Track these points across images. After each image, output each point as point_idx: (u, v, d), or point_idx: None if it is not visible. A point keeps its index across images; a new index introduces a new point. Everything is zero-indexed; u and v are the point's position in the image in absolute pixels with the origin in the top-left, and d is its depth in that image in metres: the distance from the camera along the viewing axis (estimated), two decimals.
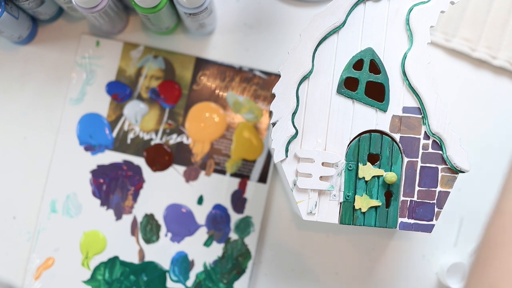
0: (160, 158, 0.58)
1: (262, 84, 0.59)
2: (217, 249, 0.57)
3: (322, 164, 0.44)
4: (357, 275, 0.58)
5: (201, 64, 0.59)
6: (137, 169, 0.58)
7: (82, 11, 0.51)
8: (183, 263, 0.57)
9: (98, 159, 0.58)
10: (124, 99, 0.59)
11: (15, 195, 0.58)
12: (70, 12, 0.58)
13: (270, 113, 0.47)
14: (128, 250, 0.57)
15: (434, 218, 0.45)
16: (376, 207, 0.45)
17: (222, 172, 0.58)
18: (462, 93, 0.60)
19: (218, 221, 0.58)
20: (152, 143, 0.58)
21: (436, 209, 0.45)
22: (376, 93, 0.46)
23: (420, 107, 0.45)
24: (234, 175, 0.58)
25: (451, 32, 0.59)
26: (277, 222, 0.58)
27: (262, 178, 0.58)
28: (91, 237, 0.57)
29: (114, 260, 0.57)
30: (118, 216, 0.58)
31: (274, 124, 0.45)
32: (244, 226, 0.57)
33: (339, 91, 0.45)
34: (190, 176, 0.58)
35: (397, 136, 0.45)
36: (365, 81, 0.45)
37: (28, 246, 0.57)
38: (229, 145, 0.58)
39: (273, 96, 0.45)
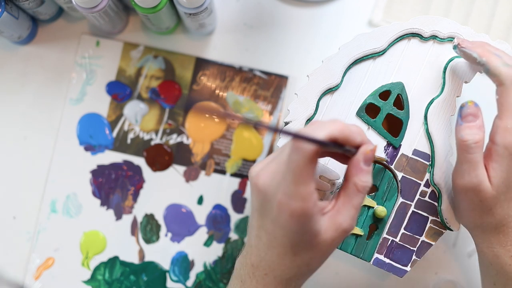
0: (160, 158, 0.58)
1: (262, 84, 0.59)
2: (217, 249, 0.57)
3: (320, 177, 0.44)
4: (357, 275, 0.58)
5: (201, 64, 0.59)
6: (137, 169, 0.58)
7: (82, 11, 0.51)
8: (183, 263, 0.57)
9: (98, 159, 0.58)
10: (124, 99, 0.59)
11: (15, 195, 0.58)
12: (70, 12, 0.58)
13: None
14: (128, 250, 0.57)
15: (410, 265, 0.45)
16: (357, 236, 0.45)
17: (222, 172, 0.58)
18: (464, 95, 0.60)
19: (218, 221, 0.58)
20: (152, 143, 0.58)
21: (414, 257, 0.45)
22: (393, 127, 0.46)
23: (430, 154, 0.45)
24: (234, 175, 0.58)
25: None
26: None
27: None
28: (91, 237, 0.57)
29: (114, 260, 0.57)
30: (118, 216, 0.58)
31: (287, 123, 0.45)
32: (244, 226, 0.57)
33: (358, 114, 0.45)
34: (190, 176, 0.58)
35: (399, 175, 0.45)
36: (386, 112, 0.45)
37: (28, 246, 0.57)
38: (229, 145, 0.58)
39: (295, 96, 0.45)
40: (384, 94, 0.45)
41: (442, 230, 0.45)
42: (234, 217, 0.58)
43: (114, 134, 0.58)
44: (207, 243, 0.57)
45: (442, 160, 0.45)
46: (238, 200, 0.58)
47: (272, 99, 0.59)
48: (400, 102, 0.46)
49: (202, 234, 0.58)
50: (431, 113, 0.45)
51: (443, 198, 0.44)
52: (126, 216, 0.58)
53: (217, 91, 0.59)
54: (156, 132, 0.58)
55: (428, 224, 0.45)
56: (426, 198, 0.45)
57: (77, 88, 0.59)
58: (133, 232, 0.58)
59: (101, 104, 0.59)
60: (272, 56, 0.59)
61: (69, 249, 0.57)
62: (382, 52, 0.45)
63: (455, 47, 0.44)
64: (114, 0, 0.54)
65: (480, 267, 0.45)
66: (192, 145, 0.58)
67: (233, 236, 0.57)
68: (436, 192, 0.45)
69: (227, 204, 0.58)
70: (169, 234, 0.57)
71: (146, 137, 0.58)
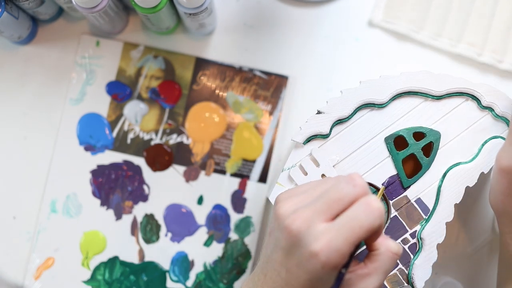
0: (160, 158, 0.58)
1: (262, 84, 0.59)
2: (217, 249, 0.57)
3: (322, 175, 0.44)
4: None
5: (201, 64, 0.59)
6: (137, 169, 0.58)
7: (82, 11, 0.51)
8: (183, 263, 0.57)
9: (98, 159, 0.58)
10: (124, 99, 0.59)
11: (15, 195, 0.58)
12: (70, 12, 0.58)
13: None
14: (128, 250, 0.57)
15: None
16: None
17: (222, 172, 0.58)
18: None
19: (218, 221, 0.58)
20: (152, 143, 0.58)
21: None
22: (410, 168, 0.46)
23: (431, 210, 0.45)
24: (234, 175, 0.58)
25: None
26: None
27: (262, 178, 0.58)
28: (91, 237, 0.57)
29: (114, 260, 0.57)
30: (118, 216, 0.58)
31: (319, 112, 0.45)
32: (244, 226, 0.57)
33: (386, 140, 0.45)
34: (190, 176, 0.58)
35: (393, 212, 0.45)
36: (412, 152, 0.45)
37: (28, 246, 0.57)
38: (229, 145, 0.58)
39: (340, 93, 0.45)
40: (419, 135, 0.45)
41: (405, 283, 0.45)
42: (234, 217, 0.58)
43: (114, 134, 0.58)
44: (207, 243, 0.57)
45: (438, 221, 0.44)
46: (238, 200, 0.58)
47: (272, 99, 0.59)
48: (429, 150, 0.45)
49: (202, 234, 0.58)
50: (451, 174, 0.45)
51: (421, 255, 0.44)
52: (126, 216, 0.58)
53: (217, 91, 0.59)
54: (156, 132, 0.58)
55: (395, 271, 0.45)
56: (406, 246, 0.45)
57: (77, 88, 0.59)
58: (133, 232, 0.58)
59: (101, 104, 0.59)
60: (272, 56, 0.59)
61: (69, 249, 0.57)
62: (438, 97, 0.45)
63: None
64: (114, 0, 0.54)
65: (499, 258, 0.45)
66: (192, 145, 0.58)
67: (233, 236, 0.57)
68: (418, 246, 0.45)
69: (227, 204, 0.58)
70: (169, 234, 0.57)
71: (146, 137, 0.58)
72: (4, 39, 0.58)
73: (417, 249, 0.44)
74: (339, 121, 0.45)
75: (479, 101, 0.45)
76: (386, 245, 0.37)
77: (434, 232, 0.44)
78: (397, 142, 0.45)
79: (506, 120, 0.45)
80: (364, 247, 0.43)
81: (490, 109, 0.45)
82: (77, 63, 0.59)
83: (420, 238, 0.44)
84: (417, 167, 0.45)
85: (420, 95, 0.45)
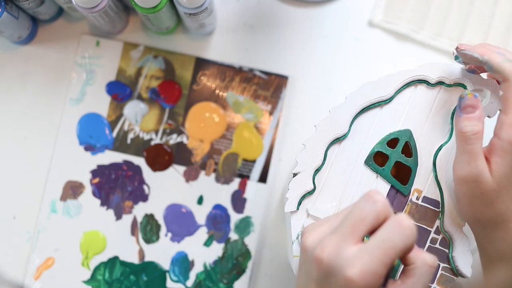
0: (160, 158, 0.58)
1: (262, 84, 0.59)
2: (217, 249, 0.57)
3: None
4: None
5: (201, 64, 0.59)
6: (137, 169, 0.58)
7: (82, 11, 0.51)
8: (183, 263, 0.57)
9: (98, 159, 0.58)
10: (124, 99, 0.59)
11: (15, 195, 0.58)
12: (70, 12, 0.58)
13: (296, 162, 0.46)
14: (128, 250, 0.57)
15: None
16: None
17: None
18: None
19: (218, 221, 0.58)
20: (152, 143, 0.58)
21: None
22: (401, 174, 0.45)
23: (440, 201, 0.45)
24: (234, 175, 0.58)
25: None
26: (277, 222, 0.58)
27: (262, 178, 0.58)
28: (91, 237, 0.57)
29: (114, 260, 0.57)
30: (118, 216, 0.58)
31: (295, 174, 0.44)
32: (244, 226, 0.57)
33: (366, 163, 0.45)
34: (190, 176, 0.58)
35: None
36: (395, 160, 0.44)
37: (28, 246, 0.57)
38: (229, 145, 0.58)
39: (303, 146, 0.44)
40: (392, 142, 0.45)
41: (454, 277, 0.44)
42: (234, 217, 0.58)
43: (114, 134, 0.58)
44: (207, 243, 0.57)
45: (452, 207, 0.44)
46: (238, 200, 0.58)
47: (272, 99, 0.59)
48: (409, 150, 0.45)
49: (202, 234, 0.58)
50: (439, 160, 0.44)
51: (454, 245, 0.44)
52: (126, 216, 0.58)
53: (217, 91, 0.59)
54: (156, 132, 0.58)
55: (440, 271, 0.44)
56: (437, 245, 0.45)
57: (77, 88, 0.59)
58: (133, 232, 0.58)
59: (101, 104, 0.59)
60: (272, 56, 0.59)
61: (69, 249, 0.57)
62: (389, 100, 0.45)
63: (456, 57, 0.43)
64: (114, 0, 0.54)
65: (481, 262, 0.45)
66: (192, 145, 0.58)
67: (233, 236, 0.57)
68: (447, 239, 0.44)
69: (227, 204, 0.58)
70: (169, 234, 0.57)
71: (146, 137, 0.58)
72: (4, 39, 0.58)
73: (448, 242, 0.44)
74: (317, 171, 0.44)
75: (427, 82, 0.45)
76: (422, 258, 0.36)
77: (454, 220, 0.44)
78: (377, 159, 0.45)
79: (460, 85, 0.45)
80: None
81: (441, 83, 0.45)
82: (77, 63, 0.59)
83: (445, 231, 0.44)
84: (407, 171, 0.45)
85: (374, 106, 0.45)
